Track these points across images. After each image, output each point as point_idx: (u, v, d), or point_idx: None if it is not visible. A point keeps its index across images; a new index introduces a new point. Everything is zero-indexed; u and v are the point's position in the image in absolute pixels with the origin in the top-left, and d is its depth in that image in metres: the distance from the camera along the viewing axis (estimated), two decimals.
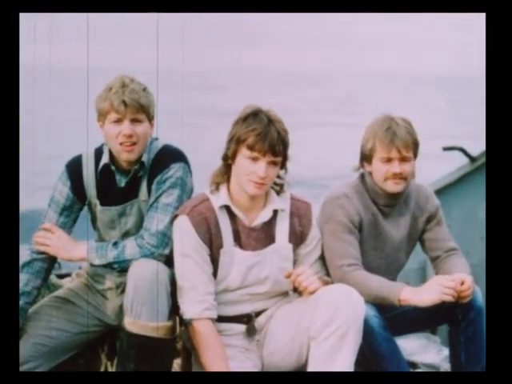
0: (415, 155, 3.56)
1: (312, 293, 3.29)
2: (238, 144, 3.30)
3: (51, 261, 3.51)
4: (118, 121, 3.38)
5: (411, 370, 3.65)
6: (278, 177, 3.39)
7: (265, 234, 3.41)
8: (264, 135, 3.26)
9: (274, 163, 3.29)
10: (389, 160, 3.52)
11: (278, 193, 3.42)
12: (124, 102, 3.35)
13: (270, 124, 3.28)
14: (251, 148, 3.27)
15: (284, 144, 3.30)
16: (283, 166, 3.37)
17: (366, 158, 3.59)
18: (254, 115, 3.31)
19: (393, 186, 3.53)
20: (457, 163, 5.49)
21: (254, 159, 3.28)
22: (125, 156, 3.42)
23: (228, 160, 3.34)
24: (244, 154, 3.28)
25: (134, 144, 3.40)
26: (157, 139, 3.54)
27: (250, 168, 3.28)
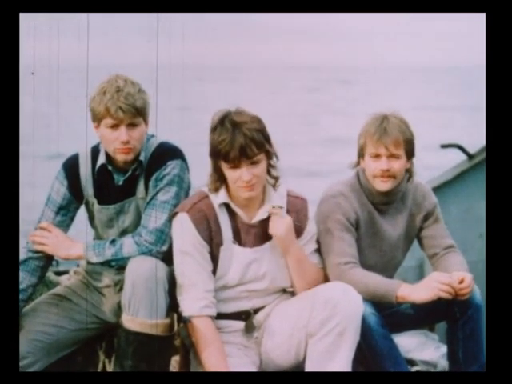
0: (409, 154, 3.56)
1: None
2: (215, 157, 3.31)
3: (47, 259, 3.51)
4: (115, 126, 3.38)
5: (409, 367, 3.66)
6: (271, 166, 3.38)
7: (263, 231, 3.41)
8: (231, 144, 3.24)
9: (254, 163, 3.28)
10: (377, 156, 3.52)
11: (275, 186, 3.42)
12: (121, 109, 3.34)
13: (235, 129, 3.26)
14: (225, 159, 3.28)
15: (256, 143, 3.27)
16: (270, 157, 3.35)
17: (359, 154, 3.60)
18: (221, 123, 3.29)
19: (380, 184, 3.54)
20: (455, 160, 5.49)
21: (234, 167, 3.28)
22: (122, 157, 3.43)
23: (216, 171, 3.35)
24: (223, 165, 3.30)
25: (130, 148, 3.42)
26: (153, 136, 3.54)
27: (234, 176, 3.29)
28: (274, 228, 3.37)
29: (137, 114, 3.39)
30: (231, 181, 3.31)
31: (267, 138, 3.33)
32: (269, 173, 3.37)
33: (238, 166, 3.27)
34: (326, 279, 3.47)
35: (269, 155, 3.34)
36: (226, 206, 3.39)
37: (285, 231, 3.37)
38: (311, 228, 3.50)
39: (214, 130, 3.30)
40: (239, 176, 3.28)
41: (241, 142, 3.24)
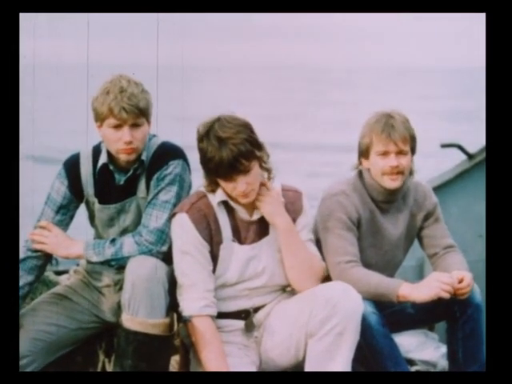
0: (413, 151, 3.58)
1: None
2: (208, 174, 3.31)
3: (46, 258, 3.51)
4: (118, 126, 3.38)
5: (409, 367, 3.66)
6: (263, 162, 3.36)
7: (261, 226, 3.42)
8: (220, 162, 3.22)
9: (247, 172, 3.27)
10: (386, 153, 3.53)
11: (269, 178, 3.41)
12: (124, 109, 3.34)
13: (221, 146, 3.22)
14: (219, 176, 3.28)
15: (245, 155, 3.24)
16: (261, 158, 3.33)
17: (363, 154, 3.60)
18: (207, 137, 3.26)
19: (390, 182, 3.54)
20: (455, 160, 5.50)
21: (228, 180, 3.28)
22: (124, 157, 3.43)
23: (210, 178, 3.34)
24: (219, 180, 3.30)
25: (133, 148, 3.42)
26: (155, 136, 3.55)
27: (229, 187, 3.29)
28: (259, 200, 3.37)
29: (140, 114, 3.39)
30: (229, 191, 3.32)
31: (256, 143, 3.30)
32: (261, 167, 3.36)
33: (231, 180, 3.27)
34: (327, 278, 3.48)
35: (260, 159, 3.33)
36: (225, 203, 3.39)
37: (269, 203, 3.36)
38: (303, 220, 3.48)
39: (201, 141, 3.29)
40: (234, 187, 3.28)
41: (229, 159, 3.22)
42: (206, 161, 3.28)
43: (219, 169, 3.25)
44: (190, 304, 3.31)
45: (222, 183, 3.31)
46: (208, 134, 3.27)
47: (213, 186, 3.36)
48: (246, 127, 3.30)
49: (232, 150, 3.23)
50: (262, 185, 3.37)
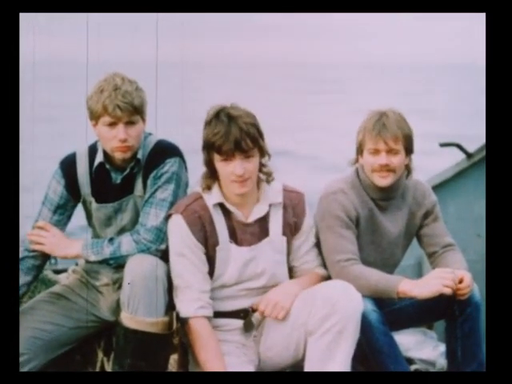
0: (408, 150, 3.58)
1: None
2: (208, 150, 3.32)
3: (43, 258, 3.52)
4: (112, 124, 3.38)
5: (408, 365, 3.67)
6: (263, 165, 3.38)
7: (259, 228, 3.42)
8: (226, 136, 3.25)
9: (248, 157, 3.29)
10: (376, 151, 3.53)
11: (268, 181, 3.43)
12: (118, 107, 3.35)
13: (231, 122, 3.26)
14: (219, 151, 3.28)
15: (251, 136, 3.27)
16: (263, 154, 3.36)
17: (358, 150, 3.62)
18: (216, 117, 3.30)
19: (379, 180, 3.55)
20: (454, 159, 5.50)
21: (227, 160, 3.28)
22: (120, 156, 3.43)
23: (208, 166, 3.36)
24: (217, 158, 3.30)
25: (128, 146, 3.42)
26: (151, 134, 3.55)
27: (227, 169, 3.29)
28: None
29: (134, 112, 3.39)
30: (223, 175, 3.31)
31: (261, 134, 3.33)
32: (260, 170, 3.37)
33: (232, 159, 3.27)
34: (328, 277, 3.49)
35: (261, 152, 3.34)
36: (221, 205, 3.39)
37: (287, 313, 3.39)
38: (309, 223, 3.50)
39: (208, 123, 3.31)
40: (232, 170, 3.28)
41: (236, 134, 3.25)
42: (210, 138, 3.28)
43: (224, 144, 3.25)
44: (185, 306, 3.32)
45: (221, 165, 3.29)
46: (218, 114, 3.30)
47: (209, 180, 3.36)
48: (255, 118, 3.35)
49: (241, 128, 3.26)
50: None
